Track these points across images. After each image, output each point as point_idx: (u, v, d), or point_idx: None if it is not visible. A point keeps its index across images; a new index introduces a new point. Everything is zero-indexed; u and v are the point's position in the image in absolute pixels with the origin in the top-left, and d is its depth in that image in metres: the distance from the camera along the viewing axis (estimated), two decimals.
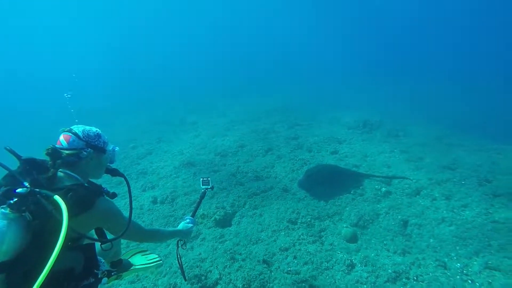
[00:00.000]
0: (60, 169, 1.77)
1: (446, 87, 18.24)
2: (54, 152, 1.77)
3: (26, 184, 1.51)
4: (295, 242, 4.74)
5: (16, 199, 1.41)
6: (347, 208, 5.51)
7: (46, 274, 1.29)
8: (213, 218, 5.65)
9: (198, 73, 29.85)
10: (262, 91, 19.34)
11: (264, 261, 4.37)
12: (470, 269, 4.12)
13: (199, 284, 4.12)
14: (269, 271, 4.18)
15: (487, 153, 8.03)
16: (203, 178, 3.14)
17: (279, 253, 4.56)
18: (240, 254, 4.67)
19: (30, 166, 1.67)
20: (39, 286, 1.27)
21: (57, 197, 1.49)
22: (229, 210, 5.86)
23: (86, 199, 1.67)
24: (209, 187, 3.10)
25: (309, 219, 5.26)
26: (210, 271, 4.36)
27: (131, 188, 2.12)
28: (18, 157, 1.69)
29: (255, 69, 29.61)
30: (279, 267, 4.27)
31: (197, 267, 4.47)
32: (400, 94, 16.87)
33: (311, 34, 47.25)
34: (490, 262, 4.16)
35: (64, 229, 1.39)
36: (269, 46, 43.78)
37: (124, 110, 18.22)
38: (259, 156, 8.41)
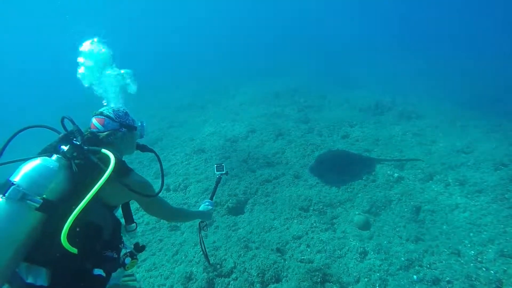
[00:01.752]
0: None
1: (456, 63, 17.65)
2: (93, 136, 1.89)
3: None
4: (308, 230, 4.79)
5: (69, 146, 1.65)
6: (359, 195, 5.51)
7: (80, 210, 1.44)
8: (225, 206, 5.72)
9: (205, 56, 29.38)
10: (270, 72, 19.02)
11: (278, 250, 4.44)
12: (484, 257, 4.12)
13: (215, 273, 4.22)
14: (282, 260, 4.25)
15: (504, 134, 7.85)
16: (217, 164, 3.17)
17: (292, 241, 4.63)
18: (254, 242, 4.75)
19: (81, 136, 1.83)
20: (73, 219, 1.42)
21: (105, 150, 1.69)
22: (241, 198, 5.92)
23: (125, 167, 1.84)
24: (223, 172, 3.15)
25: (321, 207, 5.29)
26: (225, 260, 4.45)
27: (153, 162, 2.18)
28: (74, 125, 1.85)
29: (263, 51, 28.98)
30: (292, 255, 4.34)
31: (212, 255, 4.57)
32: (409, 72, 16.41)
33: (317, 10, 45.84)
34: (506, 250, 4.14)
35: (109, 170, 1.57)
36: (274, 26, 42.63)
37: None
38: (269, 141, 8.39)
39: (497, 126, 8.47)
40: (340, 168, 6.14)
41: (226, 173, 3.19)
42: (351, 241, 4.53)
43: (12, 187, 1.43)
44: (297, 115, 10.31)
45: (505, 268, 3.89)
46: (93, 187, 1.51)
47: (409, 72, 16.28)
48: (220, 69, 21.94)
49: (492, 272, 3.89)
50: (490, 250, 4.21)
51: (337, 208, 5.29)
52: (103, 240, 1.71)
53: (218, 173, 3.14)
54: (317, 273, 3.89)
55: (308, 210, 5.30)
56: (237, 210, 5.70)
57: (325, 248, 4.40)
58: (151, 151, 2.25)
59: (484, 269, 3.95)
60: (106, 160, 1.64)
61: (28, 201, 1.43)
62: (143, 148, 2.27)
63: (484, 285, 3.72)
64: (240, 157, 7.61)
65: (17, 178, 1.49)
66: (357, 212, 5.07)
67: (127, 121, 2.07)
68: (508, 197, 5.17)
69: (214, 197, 3.08)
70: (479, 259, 4.10)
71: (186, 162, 7.89)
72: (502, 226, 4.59)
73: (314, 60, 21.21)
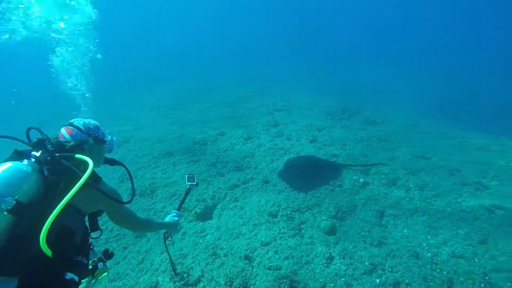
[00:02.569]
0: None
1: (419, 72, 18.71)
2: (59, 146, 1.86)
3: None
4: (276, 236, 4.83)
5: (41, 152, 1.68)
6: (326, 200, 5.64)
7: (59, 211, 1.43)
8: (193, 212, 5.65)
9: (170, 59, 28.83)
10: (239, 74, 19.08)
11: (246, 257, 4.45)
12: (439, 258, 4.37)
13: (181, 282, 4.15)
14: (250, 267, 4.27)
15: (458, 140, 8.40)
16: (188, 174, 3.18)
17: (260, 247, 4.65)
18: (222, 249, 4.72)
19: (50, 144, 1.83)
20: (53, 219, 1.40)
21: (79, 156, 1.72)
22: (209, 203, 5.87)
23: (97, 174, 1.87)
24: (194, 183, 3.16)
25: (289, 212, 5.36)
26: (192, 268, 4.40)
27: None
28: (43, 134, 1.86)
29: (233, 53, 28.97)
30: (260, 262, 4.36)
31: (179, 263, 4.49)
32: (376, 78, 17.15)
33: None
34: (456, 251, 4.43)
35: (88, 173, 1.59)
36: (245, 29, 42.71)
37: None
38: (239, 145, 8.39)
39: (453, 133, 9.06)
40: (308, 173, 6.25)
41: (197, 184, 3.21)
42: (318, 246, 4.63)
43: None
44: (266, 119, 10.39)
45: (456, 268, 4.16)
46: (68, 191, 1.50)
47: (376, 79, 16.98)
48: (189, 74, 21.70)
49: (444, 272, 4.13)
50: (444, 252, 4.47)
51: (305, 213, 5.39)
52: (75, 245, 1.71)
53: (188, 183, 3.16)
54: (285, 280, 3.94)
55: (276, 215, 5.35)
56: (205, 215, 5.65)
57: (293, 254, 4.46)
58: (121, 164, 2.26)
59: (438, 270, 4.19)
60: (81, 165, 1.70)
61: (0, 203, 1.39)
62: (112, 162, 2.28)
63: (438, 286, 3.94)
64: (209, 160, 7.55)
65: None
66: (324, 218, 5.18)
67: (96, 134, 2.09)
68: (460, 201, 5.53)
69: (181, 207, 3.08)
70: (434, 260, 4.34)
71: (154, 166, 7.70)
72: (454, 228, 4.91)
73: (282, 63, 21.54)
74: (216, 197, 6.05)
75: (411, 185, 5.95)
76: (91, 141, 2.03)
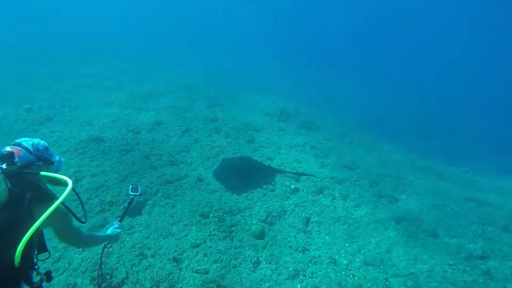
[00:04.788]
0: None
1: (354, 84, 20.25)
2: (10, 155, 1.87)
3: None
4: (206, 238, 4.84)
5: (7, 164, 1.81)
6: (258, 203, 5.82)
7: (38, 226, 1.61)
8: (122, 206, 5.35)
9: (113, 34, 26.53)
10: (184, 63, 18.44)
11: (174, 259, 4.38)
12: (353, 265, 4.85)
13: (104, 284, 3.93)
14: (178, 270, 4.22)
15: (379, 153, 9.32)
16: (132, 185, 3.15)
17: (190, 249, 4.62)
18: (150, 248, 4.58)
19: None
20: (29, 236, 1.56)
21: (45, 173, 1.88)
22: (140, 198, 5.61)
23: (50, 193, 1.91)
24: (137, 194, 3.13)
25: (221, 214, 5.40)
26: (116, 269, 4.18)
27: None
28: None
29: (178, 40, 27.83)
30: (189, 265, 4.34)
31: (102, 263, 4.23)
32: (315, 84, 18.07)
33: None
34: (368, 259, 4.97)
35: (67, 191, 1.82)
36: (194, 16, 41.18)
37: (20, 57, 15.18)
38: (175, 137, 8.15)
39: (375, 145, 10.02)
40: (243, 174, 6.36)
41: (140, 195, 3.19)
42: (246, 250, 4.76)
43: None
44: (206, 112, 10.25)
45: (365, 274, 4.67)
46: (37, 203, 1.74)
47: (315, 83, 17.87)
48: (132, 51, 20.30)
49: (356, 278, 4.61)
50: (357, 259, 4.97)
51: (236, 215, 5.48)
52: (29, 259, 1.75)
53: (132, 193, 3.12)
54: (212, 285, 3.99)
55: (208, 216, 5.36)
56: (134, 211, 5.39)
57: (222, 257, 4.53)
58: (65, 184, 2.21)
59: (351, 276, 4.65)
60: (61, 182, 1.95)
61: None
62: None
63: None
64: (143, 151, 7.20)
65: None
66: (254, 222, 5.35)
67: (45, 156, 2.09)
68: (375, 212, 6.18)
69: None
70: (349, 267, 4.80)
71: (81, 151, 7.06)
72: (368, 237, 5.48)
73: (229, 59, 21.45)
74: (147, 192, 5.82)
75: (336, 194, 6.45)
76: (40, 162, 2.03)
